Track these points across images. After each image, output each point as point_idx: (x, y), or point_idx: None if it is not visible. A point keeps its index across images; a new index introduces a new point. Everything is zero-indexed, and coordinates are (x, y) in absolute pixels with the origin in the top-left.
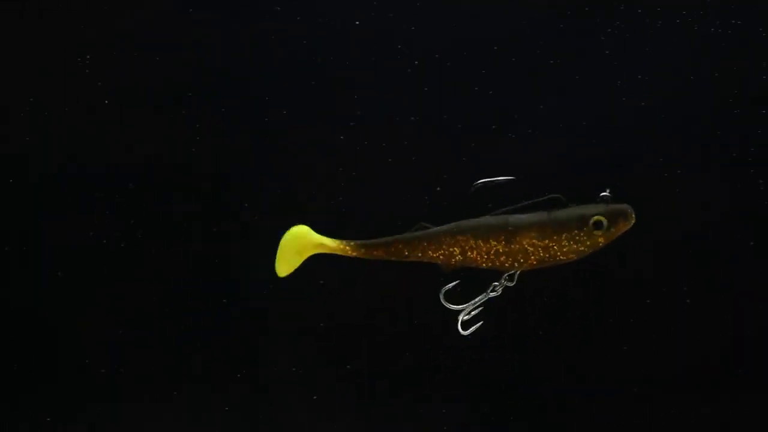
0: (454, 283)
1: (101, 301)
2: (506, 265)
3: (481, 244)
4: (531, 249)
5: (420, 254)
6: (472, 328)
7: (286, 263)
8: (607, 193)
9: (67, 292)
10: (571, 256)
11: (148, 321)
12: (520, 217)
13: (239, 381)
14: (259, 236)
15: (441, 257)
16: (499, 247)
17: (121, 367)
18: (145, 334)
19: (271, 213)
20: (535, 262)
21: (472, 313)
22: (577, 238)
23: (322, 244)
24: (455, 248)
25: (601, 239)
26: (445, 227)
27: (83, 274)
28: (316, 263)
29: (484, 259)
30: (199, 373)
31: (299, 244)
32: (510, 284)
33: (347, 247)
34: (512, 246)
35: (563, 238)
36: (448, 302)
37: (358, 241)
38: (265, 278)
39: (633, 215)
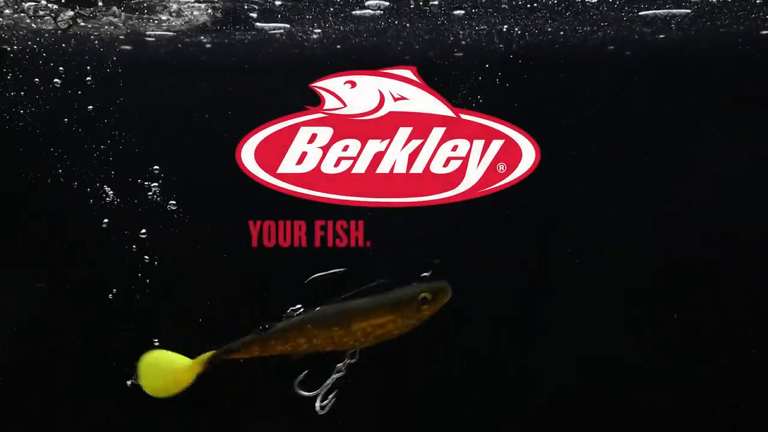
0: (305, 372)
1: None
2: (347, 346)
3: (324, 331)
4: (370, 330)
5: (270, 351)
6: (329, 405)
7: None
8: (428, 274)
9: None
10: (403, 330)
11: None
12: (356, 302)
13: None
14: None
15: (289, 349)
16: (340, 332)
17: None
18: None
19: None
20: (372, 340)
21: (329, 397)
22: (408, 314)
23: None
24: (301, 339)
25: (427, 312)
26: (287, 322)
27: None
28: None
29: (327, 344)
30: None
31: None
32: (352, 361)
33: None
34: (352, 329)
35: (396, 316)
36: (302, 390)
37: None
38: None
39: (450, 289)
